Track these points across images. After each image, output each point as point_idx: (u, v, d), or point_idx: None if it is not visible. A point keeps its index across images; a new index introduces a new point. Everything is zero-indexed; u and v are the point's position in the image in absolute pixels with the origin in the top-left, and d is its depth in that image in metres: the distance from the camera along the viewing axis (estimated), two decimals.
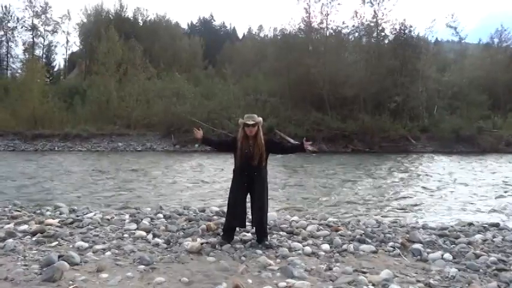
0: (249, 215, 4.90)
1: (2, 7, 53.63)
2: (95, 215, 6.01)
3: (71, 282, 3.56)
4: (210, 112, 32.01)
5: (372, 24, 36.30)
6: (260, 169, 4.68)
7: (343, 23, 37.67)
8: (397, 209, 8.92)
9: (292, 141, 29.35)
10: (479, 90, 35.35)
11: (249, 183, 4.68)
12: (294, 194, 10.80)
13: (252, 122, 4.65)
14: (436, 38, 51.86)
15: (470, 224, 6.40)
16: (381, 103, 33.33)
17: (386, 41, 36.80)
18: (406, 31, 35.31)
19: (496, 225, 6.24)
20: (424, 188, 12.21)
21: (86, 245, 4.56)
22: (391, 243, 4.92)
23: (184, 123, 30.87)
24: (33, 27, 53.46)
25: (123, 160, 21.53)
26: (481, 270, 4.18)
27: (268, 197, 4.90)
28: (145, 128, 33.25)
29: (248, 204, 4.84)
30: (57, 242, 4.69)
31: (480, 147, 29.13)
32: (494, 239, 5.32)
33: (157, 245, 4.71)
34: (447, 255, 4.55)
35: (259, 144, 4.62)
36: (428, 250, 4.75)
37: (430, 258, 4.49)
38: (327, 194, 10.89)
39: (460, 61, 39.31)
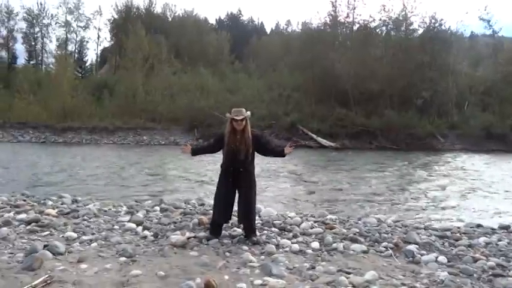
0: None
1: (37, 4, 55.85)
2: (93, 205, 6.11)
3: (49, 272, 3.62)
4: (233, 106, 32.03)
5: (401, 17, 35.28)
6: (246, 164, 4.59)
7: (370, 16, 36.72)
8: (411, 208, 8.64)
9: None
10: None
11: (234, 179, 4.60)
12: (304, 190, 10.66)
13: (240, 117, 4.57)
14: (472, 32, 49.95)
15: (479, 225, 6.09)
16: (407, 99, 32.48)
17: (415, 35, 35.66)
18: (437, 24, 34.16)
19: (506, 227, 5.90)
20: (447, 187, 11.76)
21: (75, 235, 4.63)
22: (384, 244, 4.73)
23: (208, 118, 31.16)
24: (67, 24, 55.25)
25: (145, 153, 21.94)
26: (475, 275, 3.94)
27: (257, 193, 4.81)
28: (169, 122, 33.77)
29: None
30: (49, 232, 4.79)
31: None
32: (499, 242, 5.01)
33: (144, 237, 4.73)
34: (441, 258, 4.31)
35: (246, 139, 4.53)
36: (423, 252, 4.53)
37: (423, 261, 4.27)
38: (340, 190, 10.68)
39: (494, 55, 37.59)
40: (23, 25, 55.37)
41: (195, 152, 4.84)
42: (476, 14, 51.69)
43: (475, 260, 4.30)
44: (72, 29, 56.02)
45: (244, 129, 4.57)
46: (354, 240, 4.81)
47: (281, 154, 4.68)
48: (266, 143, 4.76)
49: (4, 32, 53.79)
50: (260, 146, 4.70)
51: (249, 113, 4.67)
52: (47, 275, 3.48)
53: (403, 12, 35.03)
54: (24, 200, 6.53)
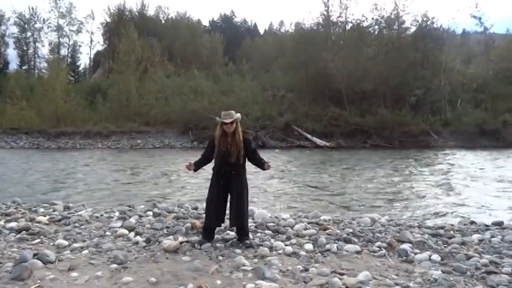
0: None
1: (29, 9, 55.59)
2: (85, 212, 6.04)
3: (38, 281, 3.57)
4: (227, 108, 31.92)
5: (393, 16, 35.41)
6: (238, 167, 4.56)
7: (363, 15, 36.79)
8: (405, 206, 8.65)
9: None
10: (506, 82, 33.96)
11: (226, 182, 4.57)
12: (299, 191, 10.63)
13: (230, 120, 4.54)
14: (464, 30, 50.25)
15: (472, 222, 6.10)
16: (401, 97, 32.59)
17: (407, 33, 35.83)
18: (428, 22, 34.30)
19: (499, 223, 5.91)
20: (441, 184, 11.78)
21: (66, 243, 4.58)
22: (378, 243, 4.71)
23: (202, 120, 31.01)
24: (59, 28, 54.85)
25: (139, 157, 21.83)
26: (468, 273, 3.94)
27: (249, 196, 4.79)
28: (164, 125, 33.57)
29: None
30: (39, 240, 4.73)
31: (505, 141, 28.00)
32: (492, 239, 5.02)
33: (136, 243, 4.68)
34: (435, 256, 4.31)
35: (237, 141, 4.51)
36: (416, 251, 4.52)
37: (416, 260, 4.27)
38: (333, 190, 10.67)
39: (486, 52, 37.80)
40: (14, 30, 55.12)
41: (197, 167, 4.79)
42: (467, 12, 52.05)
43: (468, 258, 4.32)
44: (64, 33, 55.68)
45: (234, 131, 4.55)
46: (347, 241, 4.80)
47: (262, 167, 4.75)
48: (254, 150, 4.73)
49: None
50: (248, 151, 4.69)
51: (239, 115, 4.64)
52: (36, 285, 3.44)
53: (395, 11, 35.19)
54: (16, 208, 6.46)
